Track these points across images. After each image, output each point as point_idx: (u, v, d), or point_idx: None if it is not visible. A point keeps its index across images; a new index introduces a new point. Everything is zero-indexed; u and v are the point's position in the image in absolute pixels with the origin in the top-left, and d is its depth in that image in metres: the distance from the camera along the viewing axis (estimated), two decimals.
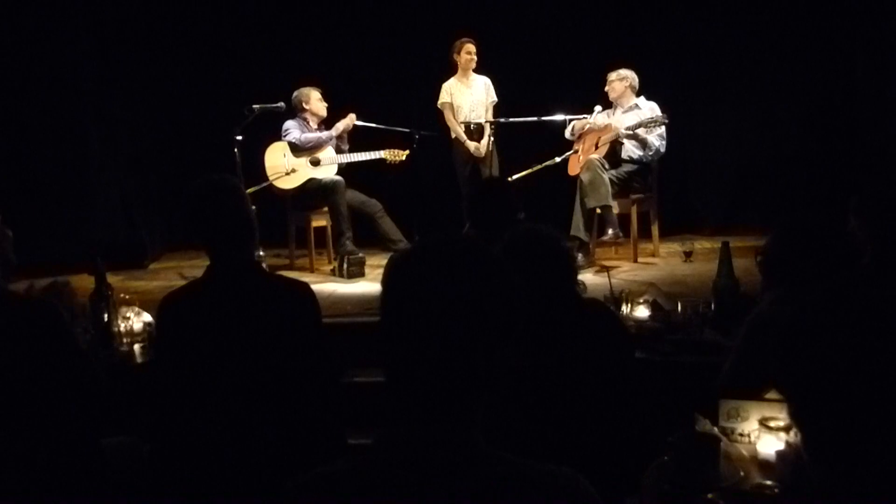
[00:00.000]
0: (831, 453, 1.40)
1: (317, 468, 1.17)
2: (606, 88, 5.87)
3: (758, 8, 6.54)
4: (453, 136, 6.21)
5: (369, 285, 5.15)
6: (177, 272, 6.00)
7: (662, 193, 5.92)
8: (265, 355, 2.27)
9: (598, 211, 5.49)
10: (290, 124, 5.79)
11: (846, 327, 1.42)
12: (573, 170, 5.79)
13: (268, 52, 6.90)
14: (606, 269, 4.52)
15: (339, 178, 5.68)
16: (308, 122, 5.87)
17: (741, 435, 2.07)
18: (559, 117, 6.02)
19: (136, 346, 3.35)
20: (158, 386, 2.36)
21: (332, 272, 5.65)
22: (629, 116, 5.75)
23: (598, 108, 5.91)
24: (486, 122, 5.93)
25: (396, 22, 6.94)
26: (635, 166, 5.73)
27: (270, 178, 5.67)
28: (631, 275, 5.20)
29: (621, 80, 5.81)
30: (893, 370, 1.34)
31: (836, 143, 6.54)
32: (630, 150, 5.73)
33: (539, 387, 2.22)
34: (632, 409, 2.33)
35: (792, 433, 1.98)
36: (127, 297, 3.59)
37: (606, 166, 5.57)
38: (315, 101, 5.86)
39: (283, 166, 5.72)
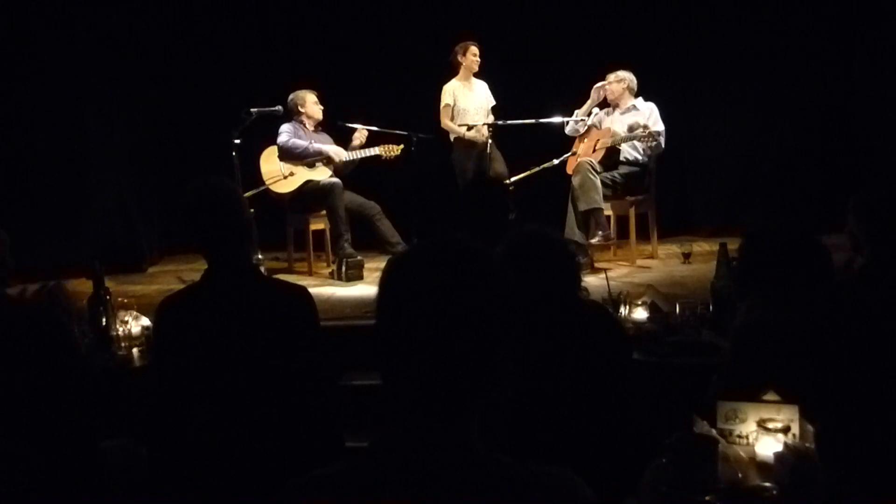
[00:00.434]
0: (843, 453, 1.41)
1: (314, 471, 1.17)
2: (605, 89, 5.88)
3: (756, 11, 6.55)
4: (453, 138, 6.18)
5: (368, 288, 5.14)
6: (175, 276, 6.00)
7: (661, 195, 5.93)
8: (263, 359, 2.27)
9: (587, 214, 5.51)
10: (284, 128, 5.79)
11: (850, 328, 1.42)
12: (571, 169, 5.81)
13: (265, 55, 6.90)
14: (604, 270, 4.52)
15: (336, 180, 5.68)
16: (304, 126, 5.87)
17: (739, 436, 2.07)
18: (557, 119, 6.03)
19: (135, 350, 3.35)
20: (156, 389, 2.36)
21: (331, 275, 5.65)
22: (627, 118, 5.78)
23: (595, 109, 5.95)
24: (484, 124, 5.92)
25: (394, 25, 6.95)
26: (633, 168, 5.76)
27: (267, 183, 5.67)
28: (629, 276, 5.21)
29: (619, 82, 5.83)
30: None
31: (834, 144, 6.55)
32: (628, 151, 5.75)
33: (538, 388, 2.22)
34: (630, 411, 2.34)
35: (790, 435, 1.99)
36: (125, 300, 3.59)
37: (598, 169, 5.60)
38: (310, 105, 5.85)
39: (279, 171, 5.72)
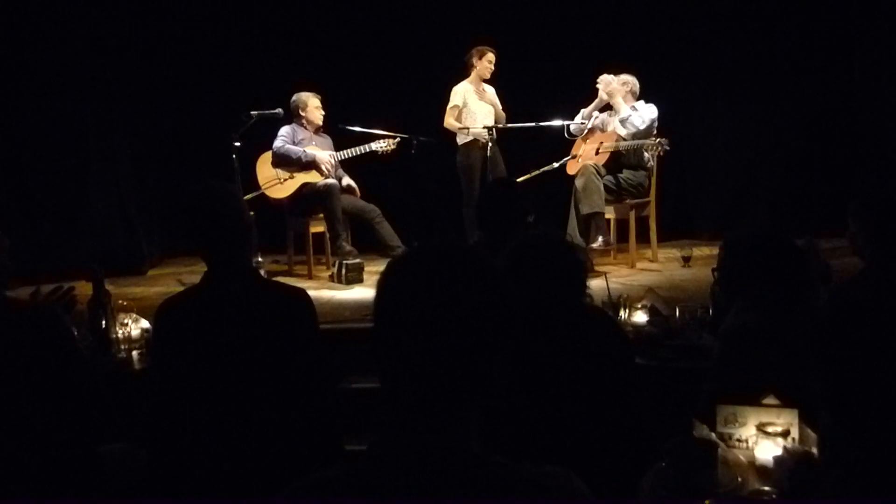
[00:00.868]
0: (846, 456, 1.41)
1: (313, 474, 1.17)
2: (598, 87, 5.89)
3: (755, 15, 6.56)
4: (461, 141, 6.12)
5: (367, 291, 5.14)
6: (175, 278, 6.00)
7: (661, 199, 5.93)
8: (262, 361, 2.27)
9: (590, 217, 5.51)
10: (282, 131, 5.80)
11: (852, 331, 1.42)
12: (572, 171, 5.81)
13: (265, 57, 6.91)
14: (604, 274, 4.52)
15: (332, 181, 5.68)
16: (305, 128, 5.88)
17: (739, 440, 2.07)
18: (557, 122, 6.04)
19: (134, 353, 3.35)
20: (156, 392, 2.35)
21: (331, 278, 5.65)
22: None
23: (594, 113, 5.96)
24: (484, 127, 5.91)
25: (394, 27, 6.96)
26: (635, 172, 5.76)
27: (263, 188, 5.67)
28: (629, 280, 5.21)
29: (622, 85, 5.84)
30: None
31: (835, 148, 6.55)
32: (633, 156, 5.77)
33: (539, 392, 2.21)
34: (631, 415, 2.33)
35: (790, 439, 1.98)
36: (125, 303, 3.59)
37: (602, 173, 5.60)
38: (311, 109, 5.86)
39: (275, 176, 5.72)
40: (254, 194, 5.46)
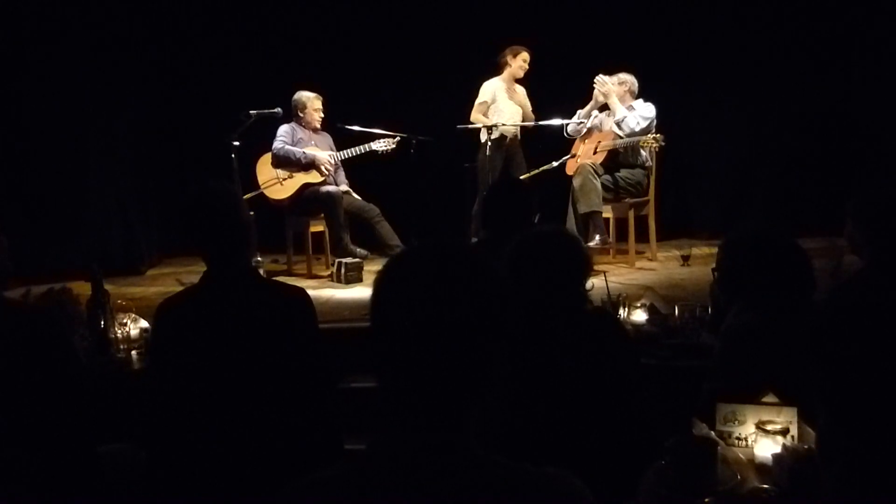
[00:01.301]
0: (844, 455, 1.41)
1: (313, 474, 1.17)
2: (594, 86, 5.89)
3: (754, 14, 6.56)
4: (484, 139, 5.97)
5: (367, 290, 5.12)
6: (174, 278, 6.00)
7: (660, 198, 5.93)
8: (262, 361, 2.27)
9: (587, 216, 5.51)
10: (282, 130, 5.80)
11: (851, 330, 1.42)
12: (571, 171, 5.81)
13: (264, 56, 6.91)
14: (603, 273, 4.52)
15: (334, 189, 5.68)
16: (304, 128, 5.88)
17: (738, 438, 2.07)
18: (556, 122, 6.04)
19: (133, 353, 3.35)
20: (155, 392, 2.35)
21: (330, 277, 5.65)
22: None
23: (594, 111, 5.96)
24: (483, 126, 5.89)
25: (394, 26, 6.95)
26: (633, 171, 5.76)
27: (263, 189, 5.67)
28: (628, 279, 5.21)
29: (621, 84, 5.85)
30: None
31: (834, 147, 6.56)
32: (631, 154, 5.77)
33: (540, 390, 2.22)
34: (633, 414, 2.33)
35: (789, 437, 1.98)
36: (124, 303, 3.59)
37: (599, 172, 5.61)
38: (310, 111, 5.86)
39: (275, 176, 5.71)
40: (253, 193, 5.46)
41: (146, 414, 2.38)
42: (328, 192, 5.64)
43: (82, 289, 3.40)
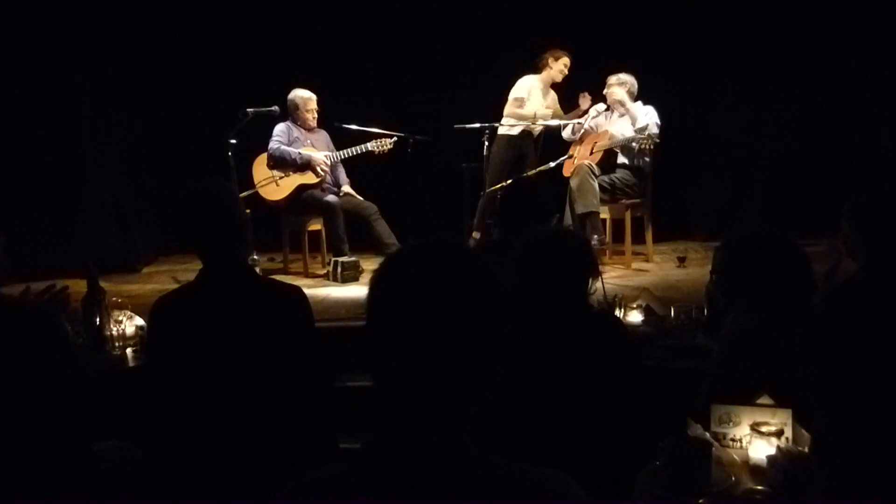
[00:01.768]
0: (839, 457, 1.42)
1: (308, 473, 1.17)
2: (605, 92, 5.89)
3: (753, 15, 6.56)
4: (503, 131, 5.99)
5: (363, 289, 5.09)
6: (170, 276, 5.99)
7: (656, 198, 5.94)
8: (257, 359, 2.27)
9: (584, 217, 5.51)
10: (277, 130, 5.78)
11: (847, 332, 1.43)
12: (568, 172, 5.81)
13: (261, 55, 6.89)
14: (599, 273, 4.52)
15: (332, 199, 5.66)
16: (300, 127, 5.87)
17: (733, 440, 2.08)
18: (554, 122, 6.04)
19: (129, 350, 3.34)
20: (150, 390, 2.35)
21: (326, 276, 5.64)
22: (625, 120, 5.79)
23: (600, 105, 5.94)
24: (481, 126, 5.88)
25: (391, 25, 6.95)
26: (630, 171, 5.76)
27: (258, 189, 5.66)
28: (624, 280, 5.21)
29: (620, 85, 5.83)
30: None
31: (830, 149, 6.56)
32: (627, 155, 5.77)
33: (541, 389, 2.22)
34: (632, 415, 2.34)
35: (783, 439, 1.99)
36: (119, 300, 3.58)
37: (596, 172, 5.61)
38: (304, 111, 5.84)
39: (271, 176, 5.70)
40: (249, 192, 5.45)
41: (141, 411, 2.38)
42: (328, 203, 5.62)
43: (78, 286, 3.40)
